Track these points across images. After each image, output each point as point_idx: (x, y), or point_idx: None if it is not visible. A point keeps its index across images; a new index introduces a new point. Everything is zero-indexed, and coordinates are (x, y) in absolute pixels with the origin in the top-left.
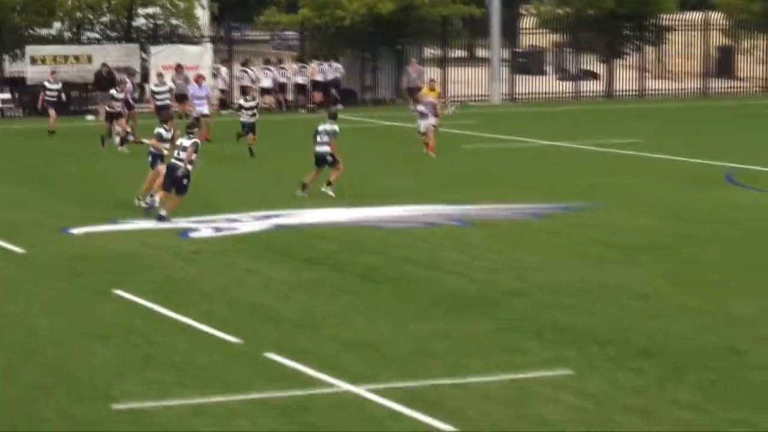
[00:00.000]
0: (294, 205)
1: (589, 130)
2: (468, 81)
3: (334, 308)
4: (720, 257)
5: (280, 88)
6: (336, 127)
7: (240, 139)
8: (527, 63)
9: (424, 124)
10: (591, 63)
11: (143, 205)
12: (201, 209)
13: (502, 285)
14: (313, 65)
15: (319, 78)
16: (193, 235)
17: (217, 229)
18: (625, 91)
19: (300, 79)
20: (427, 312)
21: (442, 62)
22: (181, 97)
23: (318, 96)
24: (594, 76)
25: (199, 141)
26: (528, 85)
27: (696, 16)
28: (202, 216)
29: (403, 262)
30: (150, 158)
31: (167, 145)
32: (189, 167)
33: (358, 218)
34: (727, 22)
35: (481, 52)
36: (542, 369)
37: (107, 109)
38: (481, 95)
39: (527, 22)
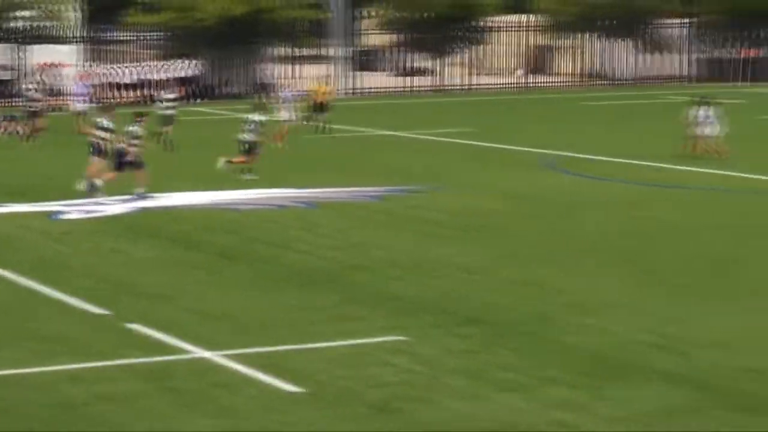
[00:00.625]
0: (158, 190)
1: (423, 121)
2: (314, 77)
3: (192, 283)
4: (538, 234)
5: (142, 84)
6: (262, 118)
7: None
8: (367, 60)
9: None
10: (423, 60)
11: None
12: (71, 194)
13: (345, 261)
14: (173, 62)
15: (180, 74)
16: (63, 217)
17: (86, 212)
18: (454, 85)
19: (162, 76)
20: (277, 286)
21: (291, 60)
22: (52, 93)
23: (180, 91)
24: (425, 72)
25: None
26: (368, 80)
27: (516, 18)
28: (73, 200)
29: (256, 241)
30: (90, 147)
31: (105, 134)
32: (134, 149)
33: (214, 201)
34: (545, 23)
35: (326, 51)
36: (380, 335)
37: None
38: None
39: (367, 24)
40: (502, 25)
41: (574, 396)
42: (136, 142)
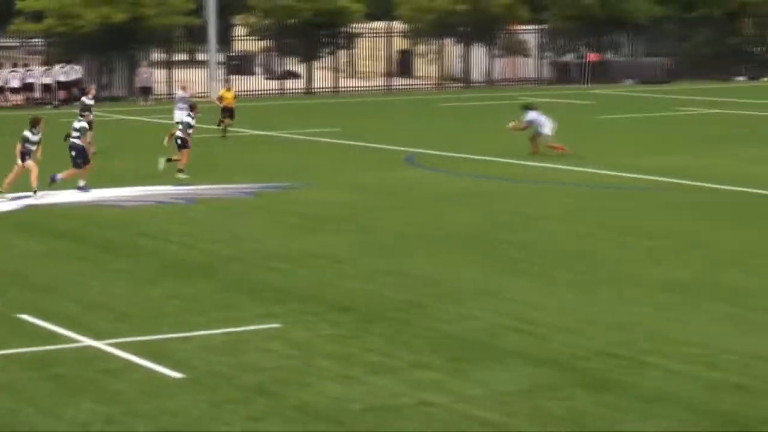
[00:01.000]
0: (45, 189)
1: (294, 121)
2: (190, 80)
3: (78, 275)
4: (402, 225)
5: (28, 87)
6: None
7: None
8: (239, 65)
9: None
10: (293, 65)
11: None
12: None
13: (221, 253)
14: (57, 67)
15: (62, 78)
16: None
17: None
18: (322, 88)
19: (46, 80)
20: (157, 277)
21: (168, 65)
22: None
23: (62, 94)
24: (295, 75)
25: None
26: (240, 83)
27: (380, 24)
28: None
29: (137, 235)
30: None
31: (32, 147)
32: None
33: (98, 198)
34: (405, 29)
35: (200, 56)
36: (255, 323)
37: None
38: (202, 92)
39: (239, 31)
40: (365, 31)
41: (441, 378)
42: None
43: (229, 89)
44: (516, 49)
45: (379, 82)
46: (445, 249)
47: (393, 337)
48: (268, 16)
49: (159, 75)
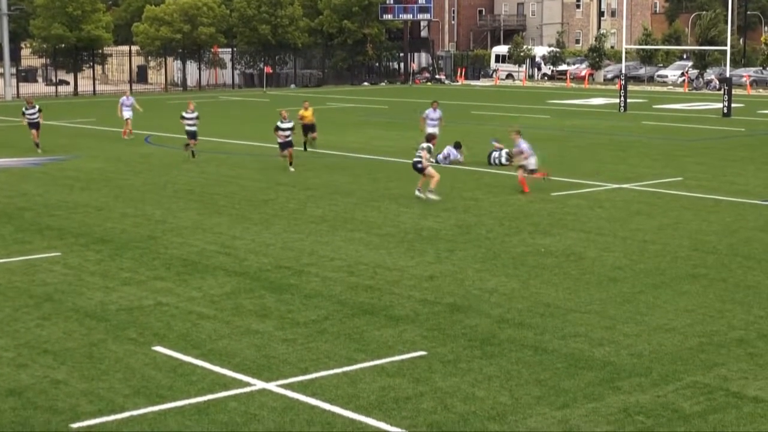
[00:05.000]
0: None
1: (66, 115)
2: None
3: None
4: (141, 183)
5: None
6: None
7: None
8: (26, 75)
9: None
10: (64, 75)
11: None
12: None
13: (17, 204)
14: None
15: None
16: None
17: None
18: (85, 91)
19: None
20: None
21: None
22: None
23: None
24: (66, 83)
25: None
26: (28, 88)
27: (124, 47)
28: None
29: None
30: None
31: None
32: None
33: None
34: (141, 50)
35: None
36: (41, 253)
37: None
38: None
39: (25, 51)
40: (114, 51)
41: (171, 285)
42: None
43: (306, 108)
44: (218, 63)
45: (124, 87)
46: (172, 199)
47: (138, 259)
48: (46, 42)
49: None
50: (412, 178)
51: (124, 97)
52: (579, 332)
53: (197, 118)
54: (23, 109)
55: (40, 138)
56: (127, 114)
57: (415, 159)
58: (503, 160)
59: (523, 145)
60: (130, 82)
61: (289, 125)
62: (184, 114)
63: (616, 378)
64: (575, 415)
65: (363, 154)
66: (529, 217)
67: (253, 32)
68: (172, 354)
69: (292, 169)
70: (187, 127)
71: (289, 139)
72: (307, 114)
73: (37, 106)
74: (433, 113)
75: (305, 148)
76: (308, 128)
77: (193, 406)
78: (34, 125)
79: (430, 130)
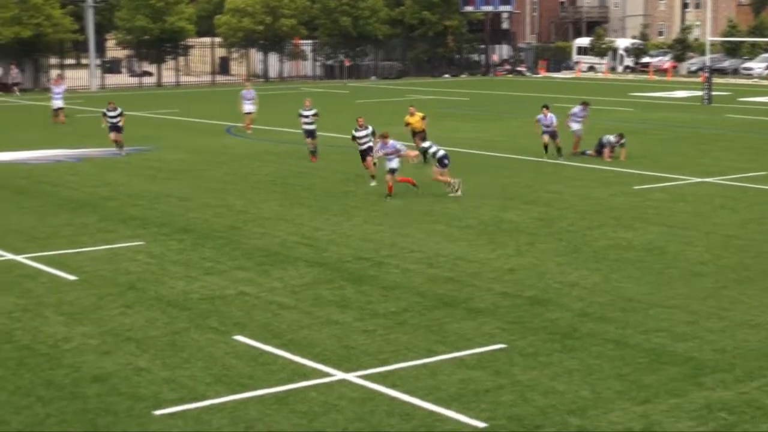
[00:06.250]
0: None
1: (149, 105)
2: (78, 77)
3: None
4: (224, 174)
5: None
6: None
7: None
8: (111, 66)
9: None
10: (147, 66)
11: None
12: None
13: (101, 194)
14: None
15: None
16: None
17: None
18: (167, 82)
19: None
20: (55, 210)
21: (61, 66)
22: None
23: None
24: (149, 74)
25: None
26: (112, 79)
27: (206, 39)
28: None
29: (41, 183)
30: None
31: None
32: None
33: (12, 159)
34: (223, 42)
35: (84, 61)
36: (126, 241)
37: None
38: (85, 86)
39: (110, 43)
40: (197, 43)
41: (252, 276)
42: None
43: (412, 114)
44: (298, 54)
45: (207, 78)
46: (255, 191)
47: (220, 249)
48: (130, 33)
49: (52, 74)
50: (491, 171)
51: (245, 90)
52: (661, 327)
53: (315, 115)
54: (104, 110)
55: (120, 137)
56: (248, 108)
57: (438, 149)
58: (612, 139)
59: (398, 145)
60: (212, 73)
61: (311, 112)
62: (301, 112)
63: (698, 374)
64: (657, 411)
65: (443, 146)
66: (611, 210)
67: (334, 24)
68: (252, 343)
69: (373, 183)
70: (305, 126)
71: (311, 128)
72: (413, 120)
73: (119, 109)
74: (544, 119)
75: (425, 159)
76: (417, 135)
77: (273, 396)
78: (115, 128)
79: (574, 127)
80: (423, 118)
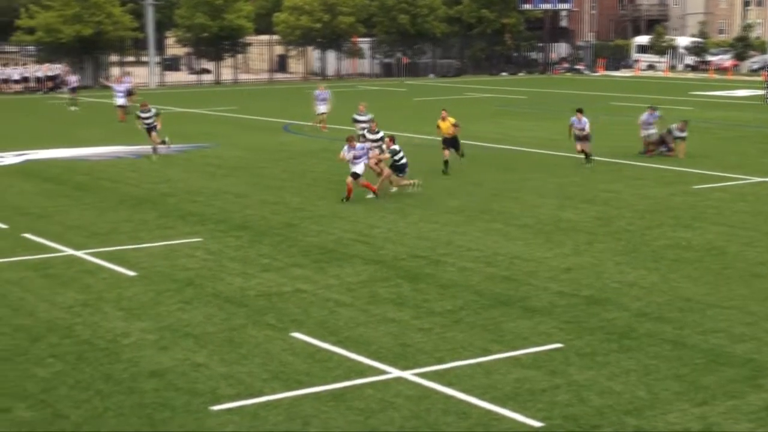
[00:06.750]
0: (37, 147)
1: (207, 102)
2: (137, 74)
3: (60, 206)
4: (281, 171)
5: (25, 79)
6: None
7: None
8: (170, 64)
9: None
10: (206, 64)
11: None
12: None
13: (160, 190)
14: (45, 66)
15: (48, 74)
16: None
17: None
18: (226, 80)
19: (39, 74)
20: (115, 207)
21: (121, 64)
22: None
23: (49, 83)
24: (208, 71)
25: None
26: (172, 77)
27: (264, 37)
28: None
29: (101, 179)
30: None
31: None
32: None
33: (73, 155)
34: (281, 40)
35: (144, 58)
36: (184, 238)
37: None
38: (144, 83)
39: (169, 41)
40: (255, 41)
41: (308, 273)
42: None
43: (444, 118)
44: (355, 53)
45: (265, 75)
46: (312, 187)
47: (276, 246)
48: (189, 31)
49: (112, 71)
50: (550, 170)
51: (318, 91)
52: (719, 328)
53: (372, 121)
54: (137, 112)
55: (157, 137)
56: (322, 108)
57: (403, 156)
58: (674, 127)
59: (366, 145)
60: (270, 71)
61: (366, 117)
62: (356, 117)
63: (757, 375)
64: (715, 412)
65: (500, 144)
66: (670, 210)
67: (392, 22)
68: (309, 340)
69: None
70: (361, 131)
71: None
72: (444, 125)
73: (153, 110)
74: (578, 123)
75: (444, 169)
76: (449, 143)
77: (330, 393)
78: (151, 129)
79: (650, 131)
80: (455, 125)
